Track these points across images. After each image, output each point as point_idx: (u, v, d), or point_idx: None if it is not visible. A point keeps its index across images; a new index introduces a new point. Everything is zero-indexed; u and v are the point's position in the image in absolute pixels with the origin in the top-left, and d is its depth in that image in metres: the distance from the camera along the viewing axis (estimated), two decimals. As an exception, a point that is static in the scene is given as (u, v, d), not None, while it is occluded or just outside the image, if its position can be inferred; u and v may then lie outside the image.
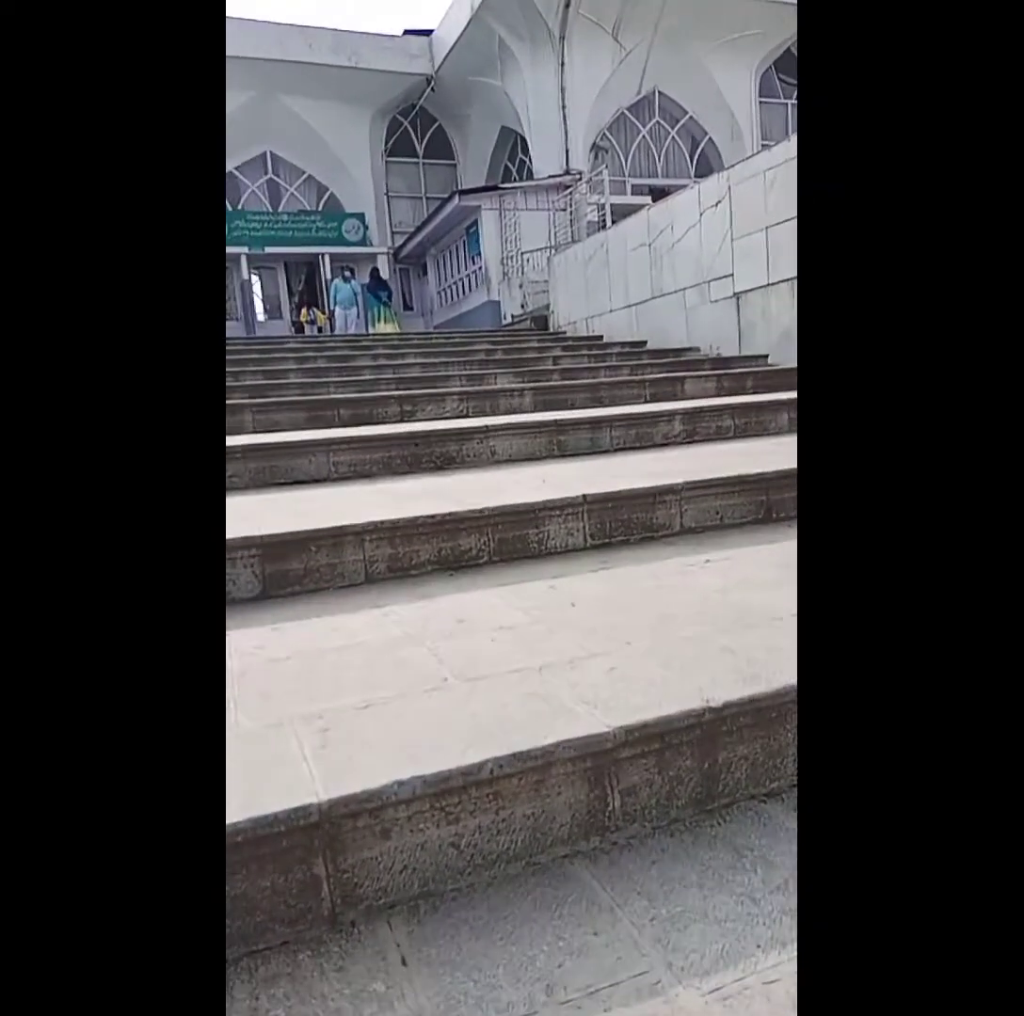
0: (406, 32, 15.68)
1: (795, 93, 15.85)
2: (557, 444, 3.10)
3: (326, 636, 1.44)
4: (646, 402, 4.37)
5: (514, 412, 4.09)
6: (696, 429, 3.32)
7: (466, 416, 4.02)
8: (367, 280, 13.75)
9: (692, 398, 4.41)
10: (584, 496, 2.02)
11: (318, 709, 1.08)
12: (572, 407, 4.22)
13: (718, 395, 4.49)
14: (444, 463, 2.93)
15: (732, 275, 7.50)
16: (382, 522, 1.82)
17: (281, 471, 2.70)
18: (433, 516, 1.87)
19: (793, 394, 3.59)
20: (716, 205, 7.65)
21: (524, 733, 0.94)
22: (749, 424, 3.40)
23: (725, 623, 1.34)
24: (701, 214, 7.88)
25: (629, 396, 4.34)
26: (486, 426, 2.98)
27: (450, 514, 1.88)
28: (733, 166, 7.42)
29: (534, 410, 4.14)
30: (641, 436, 3.22)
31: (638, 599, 1.55)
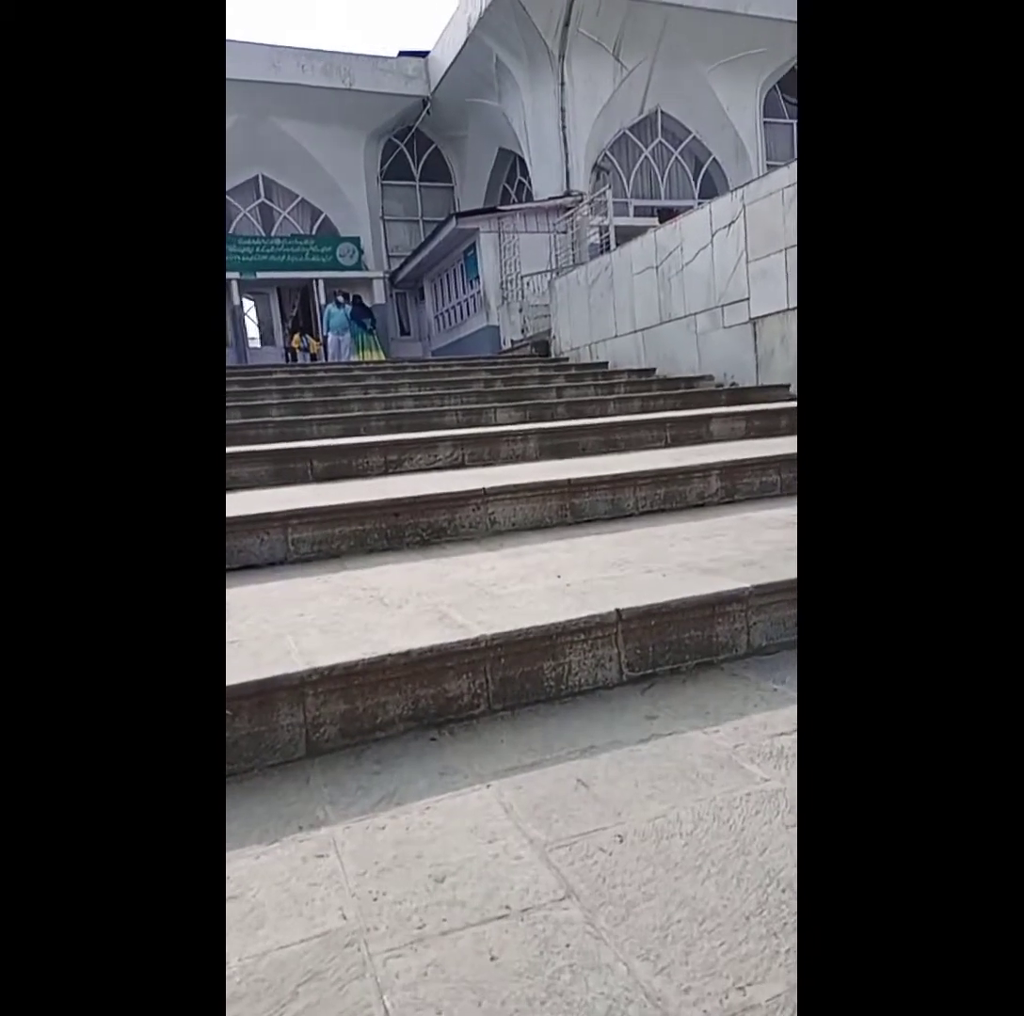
0: (401, 53, 15.40)
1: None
2: (570, 509, 2.54)
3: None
4: (667, 445, 3.82)
5: (517, 459, 3.55)
6: (736, 486, 2.77)
7: (462, 465, 3.47)
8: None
9: (720, 440, 3.87)
10: (618, 612, 1.46)
11: None
12: (583, 452, 3.67)
13: (749, 436, 3.96)
14: (432, 536, 2.37)
15: (748, 299, 7.00)
16: (332, 669, 1.26)
17: (227, 554, 2.14)
18: (407, 653, 1.31)
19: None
20: (729, 226, 7.17)
21: None
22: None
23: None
24: (713, 235, 7.40)
25: (648, 439, 3.79)
26: (484, 490, 2.42)
27: (432, 649, 1.32)
28: (747, 184, 6.95)
29: (539, 457, 3.60)
30: (671, 496, 2.67)
31: (725, 817, 0.98)
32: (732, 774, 1.10)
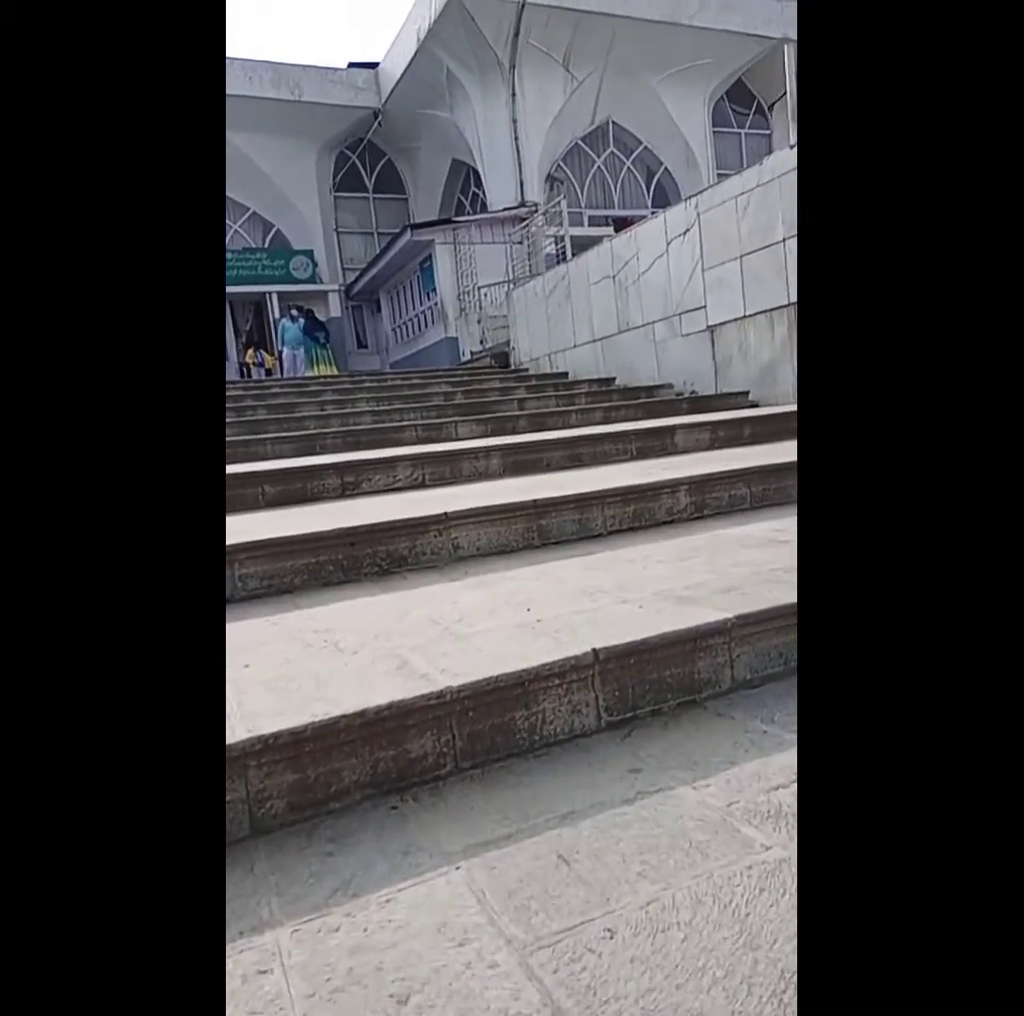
0: (351, 65, 15.26)
1: (746, 122, 15.85)
2: (537, 531, 2.43)
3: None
4: (632, 458, 3.74)
5: (480, 477, 3.43)
6: (705, 501, 2.68)
7: (422, 485, 3.34)
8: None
9: (686, 452, 3.80)
10: (595, 653, 1.34)
11: None
12: (548, 468, 3.57)
13: (714, 446, 3.90)
14: (392, 566, 2.23)
15: (705, 307, 7.01)
16: (277, 736, 1.11)
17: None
18: (363, 712, 1.17)
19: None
20: (684, 234, 7.18)
21: None
22: (767, 492, 2.78)
23: None
24: (668, 244, 7.40)
25: (613, 452, 3.71)
26: (446, 514, 2.30)
27: (391, 707, 1.19)
28: (701, 192, 6.97)
29: (503, 474, 3.48)
30: (640, 514, 2.58)
31: (726, 899, 0.87)
32: (729, 841, 0.99)
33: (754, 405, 6.22)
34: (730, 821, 1.03)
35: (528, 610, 1.66)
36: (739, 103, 15.53)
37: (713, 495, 2.69)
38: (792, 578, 1.71)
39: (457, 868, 0.98)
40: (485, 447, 3.57)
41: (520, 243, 11.48)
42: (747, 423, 4.03)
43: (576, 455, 3.65)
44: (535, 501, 2.43)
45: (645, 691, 1.40)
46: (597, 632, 1.44)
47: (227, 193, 15.67)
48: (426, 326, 13.80)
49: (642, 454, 3.76)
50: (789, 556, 1.94)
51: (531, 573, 2.06)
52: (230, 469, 3.44)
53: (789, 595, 1.57)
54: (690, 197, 7.03)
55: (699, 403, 5.93)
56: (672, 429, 3.86)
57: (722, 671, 1.47)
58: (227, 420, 5.67)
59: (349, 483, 3.19)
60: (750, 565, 1.88)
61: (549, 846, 1.01)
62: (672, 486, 2.63)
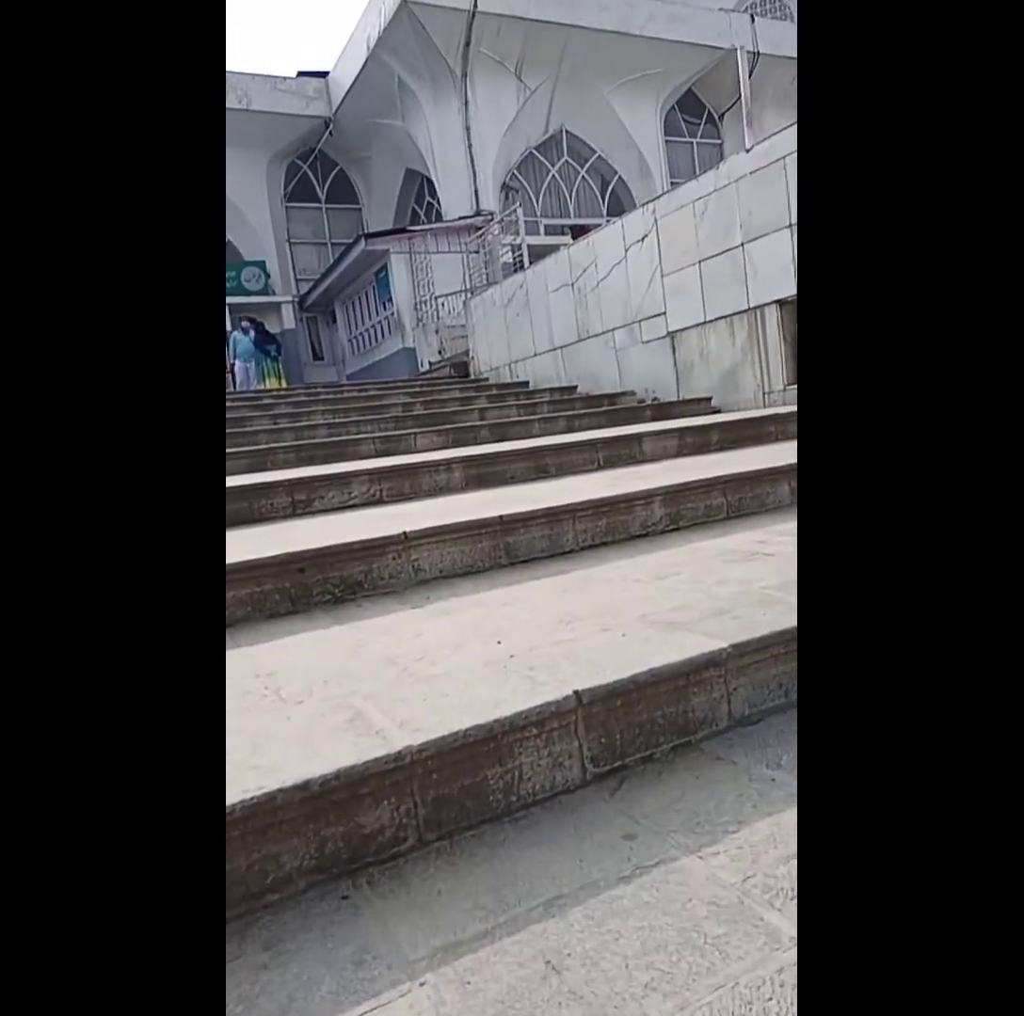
0: (300, 74, 15.01)
1: (698, 132, 16.01)
2: (504, 549, 2.25)
3: None
4: (600, 467, 3.60)
5: (441, 492, 3.24)
6: (681, 512, 2.54)
7: (379, 501, 3.14)
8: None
9: (654, 460, 3.67)
10: (577, 696, 1.17)
11: None
12: (512, 480, 3.40)
13: (682, 454, 3.78)
14: (346, 593, 2.03)
15: (665, 313, 6.94)
16: (199, 821, 0.91)
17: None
18: (306, 785, 0.98)
19: (785, 458, 2.88)
20: (642, 240, 7.11)
21: None
22: (743, 500, 2.65)
23: None
24: (626, 250, 7.33)
25: (580, 462, 3.56)
26: (405, 534, 2.11)
27: (339, 776, 0.99)
28: (658, 198, 6.91)
29: (466, 487, 3.30)
30: (613, 527, 2.42)
31: (751, 1018, 0.70)
32: (751, 934, 0.82)
33: (717, 411, 6.15)
34: (748, 904, 0.87)
35: (498, 642, 1.48)
36: (690, 113, 15.68)
37: (688, 506, 2.55)
38: (785, 597, 1.57)
39: (421, 984, 0.80)
40: (446, 459, 3.39)
41: (476, 252, 11.34)
42: (714, 429, 3.92)
43: (542, 466, 3.49)
44: (501, 517, 2.25)
45: (635, 735, 1.23)
46: (578, 669, 1.27)
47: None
48: (383, 337, 13.56)
49: (610, 463, 3.61)
50: (777, 572, 1.80)
51: (500, 597, 1.88)
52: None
53: (785, 618, 1.42)
54: (648, 202, 6.97)
55: (662, 410, 5.84)
56: (639, 437, 3.72)
57: (718, 707, 1.30)
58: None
59: (300, 501, 2.98)
60: (737, 583, 1.73)
61: (534, 947, 0.83)
62: (646, 497, 2.48)
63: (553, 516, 2.33)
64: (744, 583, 1.72)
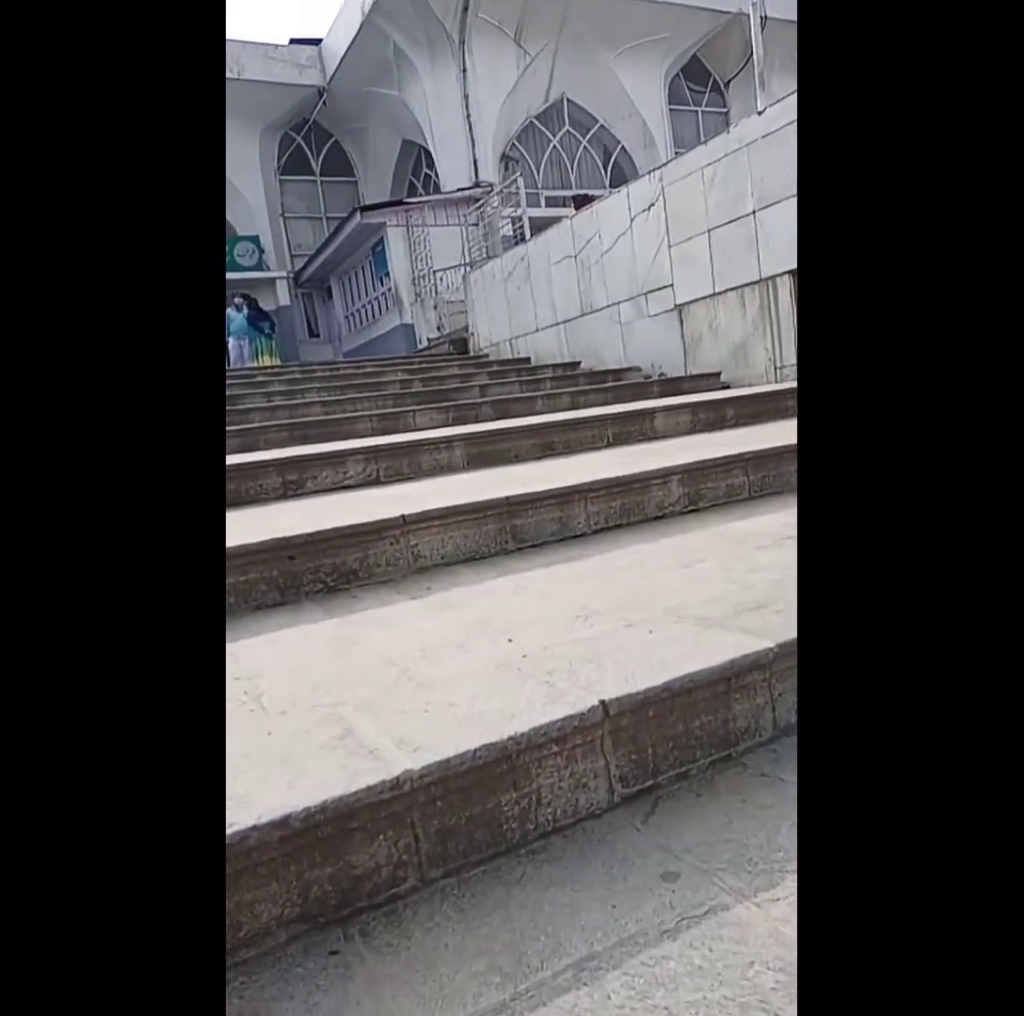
0: (292, 41, 14.56)
1: (703, 100, 15.59)
2: (511, 532, 2.09)
3: None
4: (609, 445, 3.42)
5: (441, 471, 3.07)
6: (700, 492, 2.37)
7: (376, 482, 2.97)
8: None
9: (667, 436, 3.49)
10: (604, 706, 1.01)
11: None
12: (517, 459, 3.22)
13: (696, 430, 3.60)
14: (339, 582, 1.87)
15: (672, 285, 6.71)
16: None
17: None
18: (285, 820, 0.81)
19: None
20: (648, 209, 6.86)
21: None
22: (767, 479, 2.48)
23: None
24: (632, 220, 7.08)
25: (588, 439, 3.38)
26: (403, 517, 1.94)
27: (325, 808, 0.83)
28: (665, 165, 6.65)
29: (467, 467, 3.13)
30: (628, 509, 2.25)
31: None
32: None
33: (726, 386, 5.97)
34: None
35: (509, 640, 1.32)
36: (695, 80, 15.24)
37: (708, 485, 2.38)
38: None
39: (427, 1083, 0.64)
40: (447, 437, 3.21)
41: (476, 225, 11.05)
42: (730, 404, 3.74)
43: (548, 444, 3.32)
44: (507, 498, 2.08)
45: (668, 750, 1.07)
46: (602, 673, 1.10)
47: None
48: (380, 313, 13.29)
49: (620, 440, 3.44)
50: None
51: (508, 586, 1.72)
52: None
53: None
54: (654, 169, 6.71)
55: (669, 385, 5.66)
56: (651, 412, 3.54)
57: (762, 715, 1.14)
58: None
59: (292, 482, 2.80)
60: (771, 570, 1.56)
61: (565, 1030, 0.68)
62: (662, 476, 2.30)
63: (563, 497, 2.16)
64: (779, 571, 1.55)
